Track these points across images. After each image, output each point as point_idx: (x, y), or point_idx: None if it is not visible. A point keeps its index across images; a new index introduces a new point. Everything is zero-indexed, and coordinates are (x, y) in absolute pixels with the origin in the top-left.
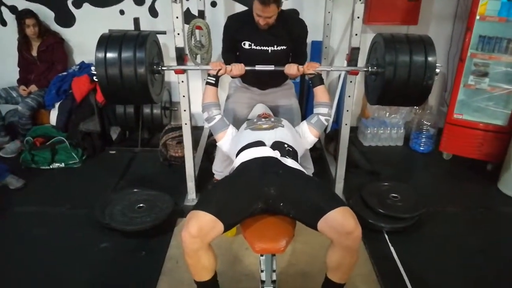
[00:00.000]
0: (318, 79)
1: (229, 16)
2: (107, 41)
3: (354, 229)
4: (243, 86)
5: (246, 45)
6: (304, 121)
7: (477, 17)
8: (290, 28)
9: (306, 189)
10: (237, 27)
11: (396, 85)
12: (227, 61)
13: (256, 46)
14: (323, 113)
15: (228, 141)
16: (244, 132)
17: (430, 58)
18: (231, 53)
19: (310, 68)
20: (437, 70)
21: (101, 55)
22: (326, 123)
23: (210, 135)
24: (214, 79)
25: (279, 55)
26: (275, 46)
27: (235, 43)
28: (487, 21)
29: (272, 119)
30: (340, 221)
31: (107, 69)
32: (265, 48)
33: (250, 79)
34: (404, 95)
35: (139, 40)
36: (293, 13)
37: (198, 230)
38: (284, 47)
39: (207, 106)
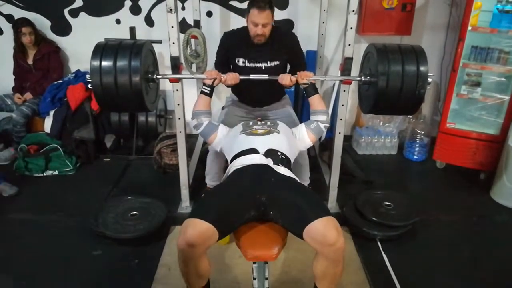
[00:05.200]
0: (312, 89)
1: (225, 32)
2: (102, 50)
3: (336, 240)
4: (240, 103)
5: (240, 62)
6: (303, 124)
7: (469, 28)
8: (281, 41)
9: (295, 197)
10: (232, 44)
11: (389, 95)
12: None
13: (249, 63)
14: (322, 120)
15: (222, 140)
16: (239, 137)
17: (422, 68)
18: (223, 66)
19: (303, 77)
20: (429, 80)
21: (96, 63)
22: (324, 130)
23: (205, 143)
24: (209, 89)
25: (273, 71)
26: (269, 62)
27: (229, 59)
28: (479, 32)
29: (268, 123)
30: (322, 232)
31: (102, 77)
32: (258, 65)
33: (246, 97)
34: (397, 104)
35: (135, 49)
36: (287, 24)
37: (196, 238)
38: (278, 63)
39: (197, 113)
